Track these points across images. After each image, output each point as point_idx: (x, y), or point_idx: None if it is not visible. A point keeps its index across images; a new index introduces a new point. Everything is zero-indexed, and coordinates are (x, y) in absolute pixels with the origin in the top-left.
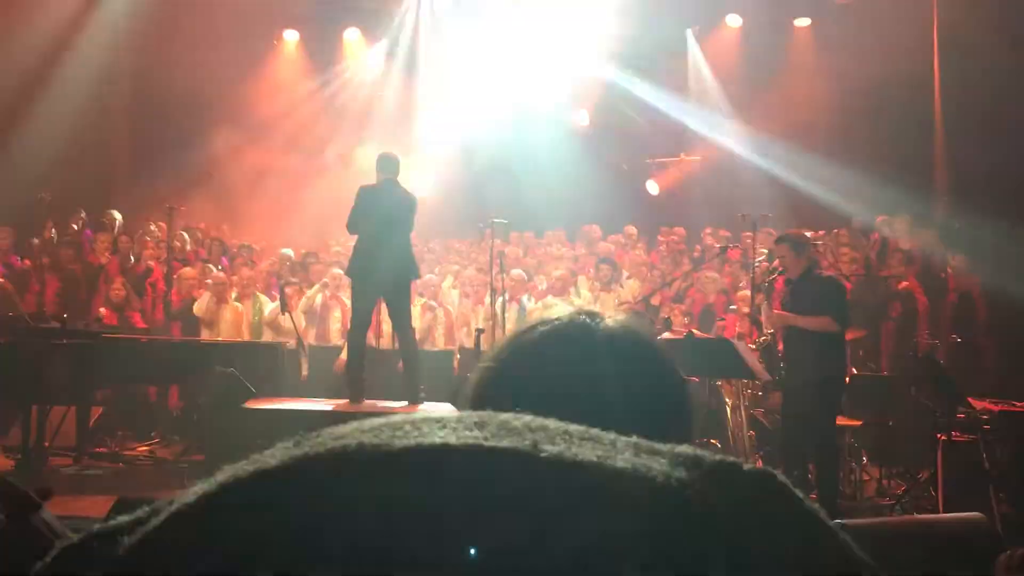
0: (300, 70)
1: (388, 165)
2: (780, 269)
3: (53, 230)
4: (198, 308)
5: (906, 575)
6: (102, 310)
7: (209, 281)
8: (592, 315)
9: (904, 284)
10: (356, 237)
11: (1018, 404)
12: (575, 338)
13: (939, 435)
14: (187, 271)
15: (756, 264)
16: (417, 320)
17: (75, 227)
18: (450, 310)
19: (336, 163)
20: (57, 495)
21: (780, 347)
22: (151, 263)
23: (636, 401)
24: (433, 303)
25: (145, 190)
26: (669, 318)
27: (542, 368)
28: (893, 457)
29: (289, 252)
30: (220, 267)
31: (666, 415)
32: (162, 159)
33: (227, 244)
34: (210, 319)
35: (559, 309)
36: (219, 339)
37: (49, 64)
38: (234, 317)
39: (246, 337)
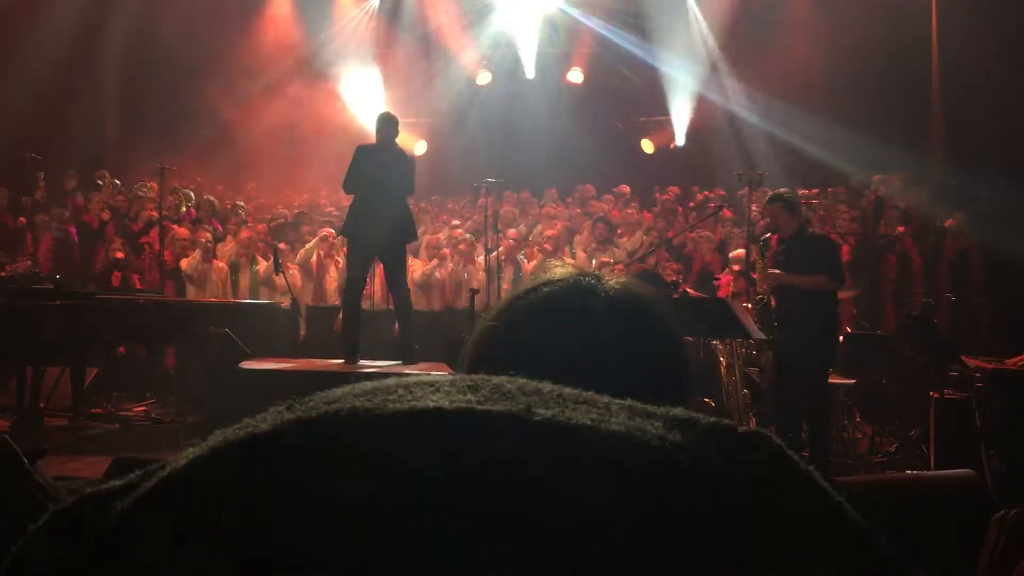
0: (291, 27)
1: (387, 125)
2: (774, 228)
3: (42, 185)
4: (186, 265)
5: (898, 532)
6: (114, 272)
7: (203, 240)
8: (595, 277)
9: (899, 243)
10: (352, 197)
11: (1010, 362)
12: (580, 300)
13: (932, 393)
14: (179, 231)
15: (753, 223)
16: (417, 273)
17: (67, 187)
18: (444, 271)
19: (328, 123)
20: (54, 455)
21: (774, 305)
22: (144, 221)
23: (638, 364)
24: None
25: (136, 149)
26: (677, 281)
27: (546, 329)
28: (886, 415)
29: (283, 212)
30: (212, 227)
31: (667, 379)
32: (153, 118)
33: (218, 205)
34: (198, 277)
35: (561, 270)
36: (213, 299)
37: (36, 21)
38: (220, 277)
39: (231, 297)
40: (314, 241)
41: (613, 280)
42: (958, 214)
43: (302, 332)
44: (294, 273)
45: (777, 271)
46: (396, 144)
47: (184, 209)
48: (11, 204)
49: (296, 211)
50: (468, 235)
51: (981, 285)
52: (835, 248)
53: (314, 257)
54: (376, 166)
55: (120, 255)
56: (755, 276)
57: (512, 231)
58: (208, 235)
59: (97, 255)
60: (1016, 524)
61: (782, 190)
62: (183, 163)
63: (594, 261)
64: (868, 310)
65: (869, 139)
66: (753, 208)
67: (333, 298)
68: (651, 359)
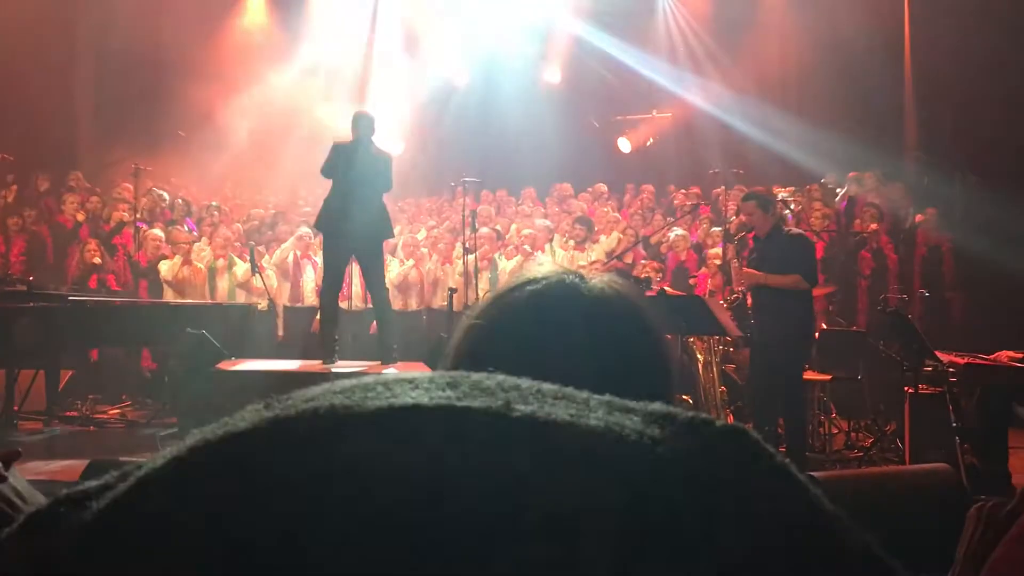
0: (266, 25)
1: (363, 123)
2: (749, 226)
3: (13, 191)
4: (167, 271)
5: (874, 525)
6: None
7: (180, 240)
8: (579, 275)
9: (873, 239)
10: (325, 193)
11: (984, 357)
12: (564, 298)
13: (906, 388)
14: (153, 233)
15: (729, 221)
16: (393, 274)
17: (40, 188)
18: (422, 270)
19: (304, 121)
20: (28, 459)
21: (749, 303)
22: (120, 222)
23: (623, 361)
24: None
25: (110, 150)
26: (650, 277)
27: (530, 327)
28: (861, 410)
29: (259, 212)
30: (187, 228)
31: (652, 375)
32: (127, 118)
33: (192, 205)
34: (178, 283)
35: (545, 268)
36: (188, 301)
37: (9, 21)
38: (200, 280)
39: (211, 299)
40: (289, 241)
41: (596, 278)
42: (929, 210)
43: (279, 333)
44: (270, 274)
45: (751, 270)
46: (372, 143)
47: (158, 209)
48: None
49: (272, 211)
50: (446, 234)
51: (953, 281)
52: (810, 247)
53: (291, 257)
54: (352, 164)
55: (97, 257)
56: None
57: (485, 231)
58: (186, 237)
59: (71, 257)
60: (992, 516)
61: (757, 188)
62: (158, 163)
63: (571, 261)
64: (842, 306)
65: (843, 138)
66: (729, 206)
67: (310, 299)
68: (634, 357)
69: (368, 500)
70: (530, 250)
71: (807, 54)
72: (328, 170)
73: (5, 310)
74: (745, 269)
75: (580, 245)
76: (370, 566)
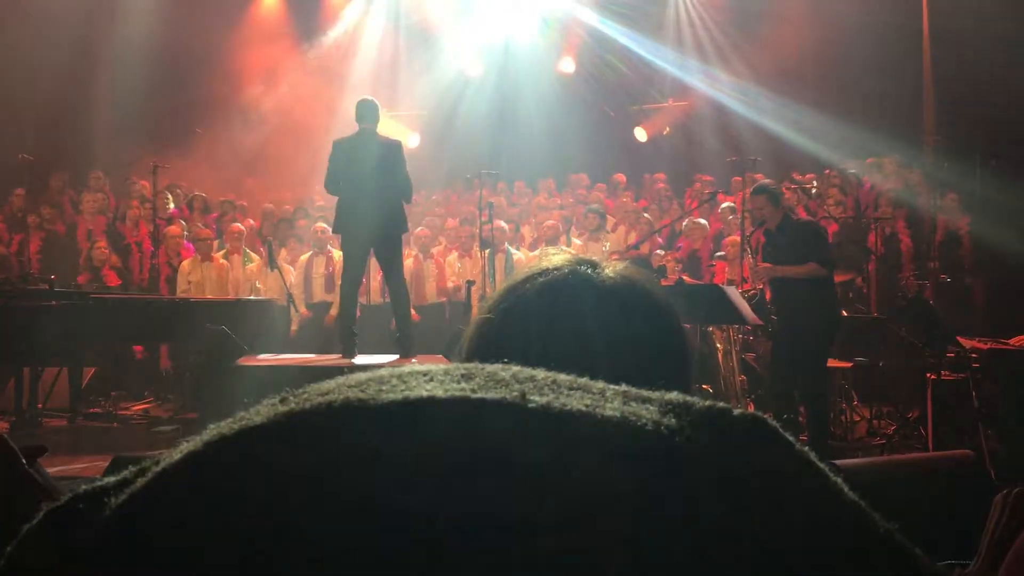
0: (282, 22)
1: (366, 112)
2: (760, 220)
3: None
4: (185, 279)
5: (897, 512)
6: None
7: (202, 236)
8: (592, 264)
9: (890, 225)
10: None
11: (1007, 342)
12: (576, 288)
13: (928, 374)
14: (172, 229)
15: (747, 211)
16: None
17: (58, 188)
18: (441, 262)
19: (319, 116)
20: (53, 456)
21: (768, 297)
22: (136, 221)
23: (638, 351)
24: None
25: (128, 148)
26: (664, 266)
27: (542, 319)
28: (883, 397)
29: (270, 207)
30: (204, 224)
31: (668, 364)
32: (145, 115)
33: (210, 201)
34: (197, 283)
35: (557, 258)
36: (208, 296)
37: (28, 21)
38: (219, 276)
39: (231, 294)
40: (306, 255)
41: (610, 268)
42: (948, 195)
43: (293, 328)
44: (288, 268)
45: (767, 264)
46: (376, 131)
47: (172, 206)
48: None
49: (290, 207)
50: (463, 226)
51: (972, 266)
52: (821, 234)
53: (306, 259)
54: (358, 157)
55: (103, 255)
56: (746, 275)
57: (497, 222)
58: (206, 233)
59: (83, 254)
60: (1018, 502)
61: (766, 181)
62: (176, 160)
63: (586, 252)
64: (859, 292)
65: (860, 125)
66: (747, 194)
67: (319, 293)
68: (649, 345)
69: (383, 494)
70: (543, 242)
71: (824, 40)
72: (331, 184)
73: (28, 308)
74: (761, 264)
75: (594, 235)
76: (385, 560)
